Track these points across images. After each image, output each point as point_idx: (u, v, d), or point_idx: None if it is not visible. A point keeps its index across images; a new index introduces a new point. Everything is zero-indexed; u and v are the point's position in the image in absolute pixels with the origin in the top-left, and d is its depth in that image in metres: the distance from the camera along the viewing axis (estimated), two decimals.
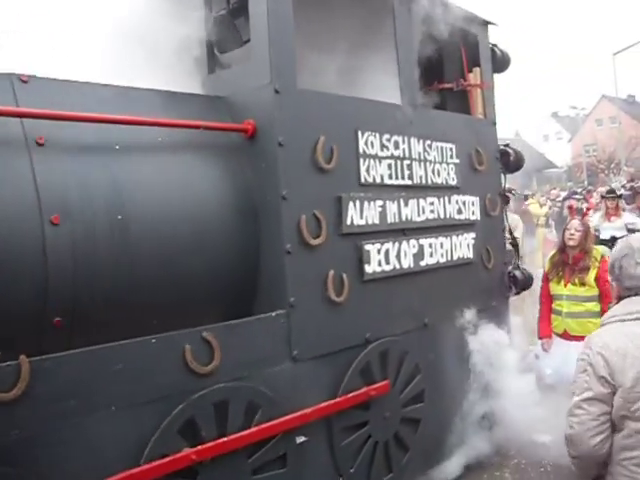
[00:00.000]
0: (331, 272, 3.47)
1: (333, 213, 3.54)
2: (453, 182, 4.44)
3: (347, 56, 4.36)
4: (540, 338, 5.31)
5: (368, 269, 3.70)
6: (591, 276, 4.96)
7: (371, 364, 3.67)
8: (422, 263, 4.11)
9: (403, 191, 4.00)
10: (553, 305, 5.19)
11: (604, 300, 4.91)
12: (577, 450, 2.30)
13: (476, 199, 4.65)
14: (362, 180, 3.72)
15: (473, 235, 4.59)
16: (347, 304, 3.56)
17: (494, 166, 4.94)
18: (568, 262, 5.07)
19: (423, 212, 4.15)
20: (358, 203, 3.66)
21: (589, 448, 2.25)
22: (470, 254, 4.55)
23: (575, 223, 5.10)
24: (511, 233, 5.11)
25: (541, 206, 16.68)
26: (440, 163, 4.34)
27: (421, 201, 4.13)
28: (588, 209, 5.01)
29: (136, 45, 3.41)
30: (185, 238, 3.11)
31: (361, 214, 3.68)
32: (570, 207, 5.78)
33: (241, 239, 3.35)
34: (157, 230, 3.02)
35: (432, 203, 4.22)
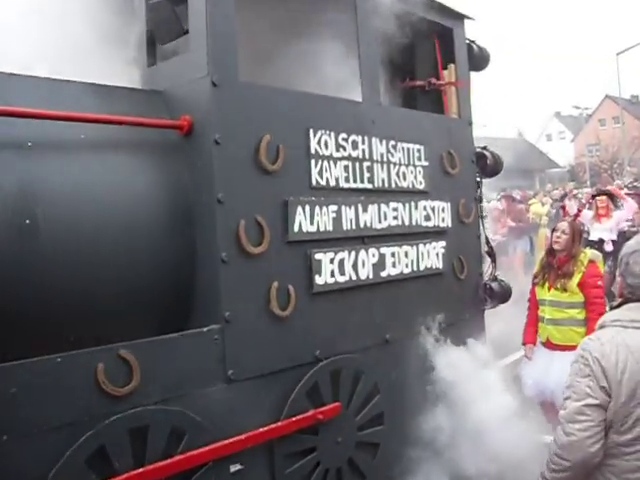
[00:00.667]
0: (275, 283, 3.21)
1: (278, 219, 3.28)
2: (421, 186, 4.18)
3: (305, 50, 4.10)
4: (524, 344, 5.04)
5: (319, 280, 3.44)
6: (574, 282, 4.68)
7: (320, 384, 3.40)
8: (383, 274, 3.84)
9: (362, 195, 3.74)
10: (538, 310, 4.93)
11: (589, 307, 4.64)
12: (575, 457, 2.23)
13: (447, 205, 4.38)
14: (313, 183, 3.46)
15: (443, 243, 4.32)
16: (293, 319, 3.30)
17: (469, 169, 4.67)
18: (554, 265, 4.80)
19: (385, 218, 3.88)
20: (308, 208, 3.40)
21: (589, 455, 2.21)
22: (440, 264, 4.28)
23: (563, 225, 4.82)
24: (488, 242, 4.83)
25: (543, 205, 16.42)
26: (406, 165, 4.07)
27: (383, 206, 3.87)
28: (579, 210, 4.70)
29: (64, 30, 3.16)
30: (108, 245, 2.85)
31: (311, 220, 3.42)
32: (563, 207, 5.49)
33: (174, 246, 3.10)
34: (75, 237, 2.76)
35: (396, 209, 3.96)
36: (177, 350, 2.85)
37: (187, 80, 3.16)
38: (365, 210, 3.74)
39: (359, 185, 3.73)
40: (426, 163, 4.22)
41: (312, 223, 3.42)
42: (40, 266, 2.65)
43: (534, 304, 4.94)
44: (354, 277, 3.64)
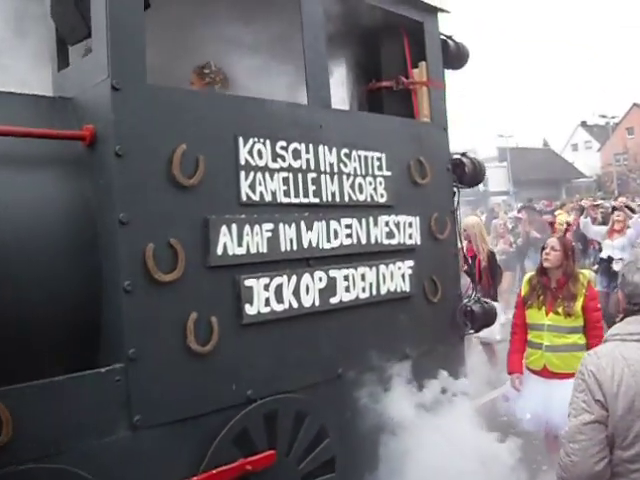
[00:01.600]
0: (193, 315, 2.85)
1: (198, 241, 2.92)
2: (382, 199, 3.78)
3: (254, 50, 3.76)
4: (509, 373, 4.59)
5: (250, 310, 3.06)
6: (578, 305, 4.25)
7: (250, 429, 3.02)
8: (334, 300, 3.45)
9: (306, 211, 3.36)
10: (529, 336, 4.47)
11: (591, 333, 4.24)
12: (579, 478, 2.23)
13: (415, 219, 3.97)
14: (243, 198, 3.10)
15: (410, 263, 3.91)
16: (217, 354, 2.93)
17: (444, 179, 4.26)
18: (550, 287, 4.35)
19: (336, 237, 3.49)
20: (235, 227, 3.03)
21: (594, 475, 2.21)
22: (406, 286, 3.87)
23: (552, 241, 4.40)
24: (467, 260, 4.41)
25: (569, 215, 15.85)
26: (363, 176, 3.68)
27: (333, 223, 3.48)
28: (569, 225, 4.16)
29: None
30: None
31: (239, 241, 3.05)
32: (551, 223, 4.99)
33: (77, 275, 2.76)
34: None
35: (349, 225, 3.57)
36: (65, 396, 2.50)
37: (91, 84, 2.84)
38: (310, 228, 3.35)
39: (302, 200, 3.35)
40: (388, 173, 3.82)
41: (240, 244, 3.05)
42: None
43: (521, 329, 4.49)
44: (295, 305, 3.26)
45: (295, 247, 3.28)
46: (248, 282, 3.06)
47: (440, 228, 4.14)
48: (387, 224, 3.78)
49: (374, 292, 3.66)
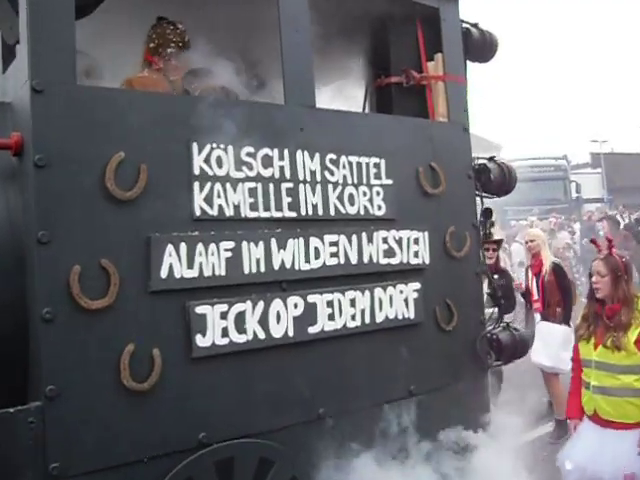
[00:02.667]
0: (129, 347, 2.52)
1: (137, 262, 2.59)
2: (379, 212, 3.32)
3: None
4: (568, 418, 3.94)
5: (201, 341, 2.70)
6: (631, 338, 3.55)
7: (196, 479, 2.64)
8: (313, 329, 3.02)
9: (278, 227, 2.96)
10: (582, 374, 3.79)
11: None
12: None
13: (424, 235, 3.47)
14: (197, 213, 2.74)
15: (416, 286, 3.41)
16: (160, 392, 2.58)
17: (463, 188, 3.73)
18: (601, 314, 3.67)
19: (317, 256, 3.06)
20: (184, 246, 2.68)
21: None
22: (410, 313, 3.37)
23: (597, 266, 3.66)
24: (490, 280, 3.85)
25: None
26: (355, 185, 3.24)
27: (314, 241, 3.05)
28: (609, 240, 3.48)
29: None
30: None
31: (190, 262, 2.69)
32: (593, 241, 4.23)
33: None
34: None
35: (335, 243, 3.13)
36: None
37: (19, 87, 2.59)
38: (282, 246, 2.95)
39: (274, 214, 2.95)
40: (388, 181, 3.35)
41: (191, 266, 2.69)
42: None
43: (579, 365, 3.81)
44: (262, 335, 2.86)
45: (263, 269, 2.88)
46: (200, 309, 2.70)
47: (457, 244, 3.61)
48: (385, 241, 3.31)
49: (367, 320, 3.20)
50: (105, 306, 2.48)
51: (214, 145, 2.79)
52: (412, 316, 3.38)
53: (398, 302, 3.33)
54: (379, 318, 3.25)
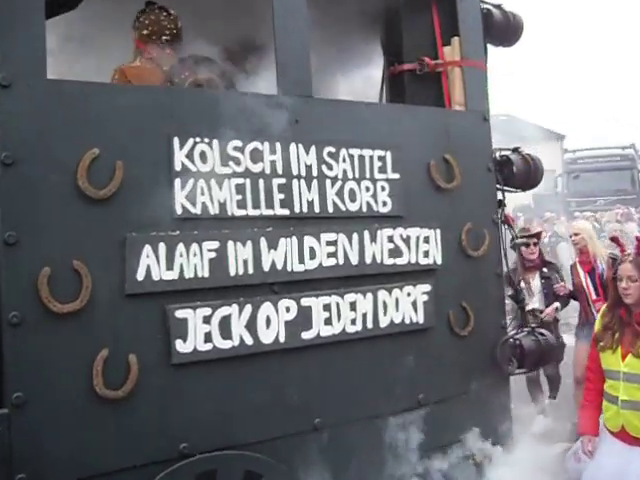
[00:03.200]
0: (103, 352, 2.40)
1: (113, 264, 2.47)
2: (385, 208, 3.10)
3: None
4: (580, 434, 3.59)
5: (182, 347, 2.56)
6: None
7: None
8: (308, 335, 2.84)
9: (269, 225, 2.79)
10: (605, 385, 3.45)
11: None
12: None
13: (435, 232, 3.23)
14: (178, 212, 2.60)
15: (426, 287, 3.18)
16: (138, 400, 2.46)
17: (483, 181, 3.46)
18: (628, 321, 3.33)
19: (312, 257, 2.88)
20: (163, 247, 2.55)
21: None
22: (419, 317, 3.14)
23: (625, 269, 3.32)
24: (512, 281, 3.56)
25: None
26: (357, 180, 3.03)
27: (309, 240, 2.87)
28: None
29: None
30: None
31: (170, 264, 2.56)
32: (614, 239, 3.83)
33: None
34: None
35: (333, 242, 2.93)
36: None
37: None
38: (273, 246, 2.78)
39: (264, 211, 2.78)
40: (395, 175, 3.13)
41: (171, 268, 2.56)
42: None
43: (595, 375, 3.48)
44: (250, 341, 2.70)
45: (251, 270, 2.72)
46: (180, 313, 2.56)
47: (474, 243, 3.35)
48: (391, 239, 3.09)
49: (369, 325, 3.00)
50: (76, 309, 2.37)
51: (197, 139, 2.65)
52: (421, 320, 3.15)
53: (405, 305, 3.10)
54: (383, 323, 3.04)
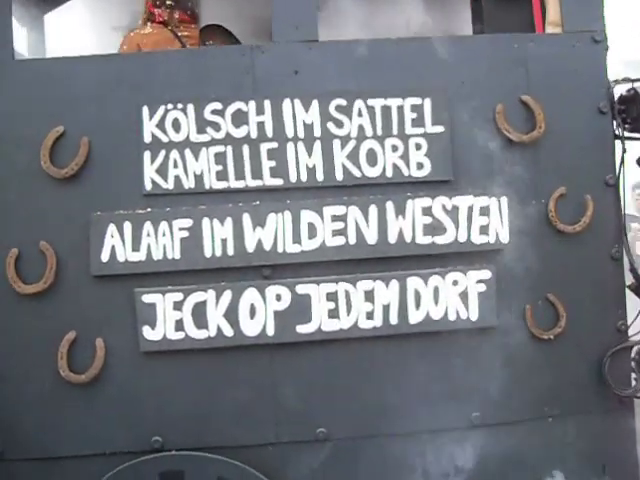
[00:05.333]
0: (69, 335, 2.36)
1: (79, 245, 2.38)
2: (421, 172, 2.42)
3: None
4: None
5: (149, 334, 2.37)
6: None
7: None
8: (304, 329, 2.38)
9: (256, 199, 2.40)
10: None
11: None
12: None
13: (500, 201, 2.43)
14: (147, 187, 2.39)
15: (485, 274, 2.41)
16: (104, 386, 2.37)
17: (589, 128, 2.48)
18: None
19: (312, 235, 2.40)
20: (129, 226, 2.37)
21: None
22: (472, 313, 2.41)
23: None
24: (634, 270, 2.49)
25: None
26: (380, 138, 2.42)
27: (307, 215, 2.39)
28: None
29: None
30: None
31: (137, 244, 2.37)
32: None
33: None
34: None
35: (341, 217, 2.40)
36: None
37: None
38: (260, 223, 2.38)
39: (250, 183, 2.40)
40: (438, 128, 2.42)
41: (137, 248, 2.37)
42: None
43: None
44: (229, 333, 2.37)
45: (231, 251, 2.38)
46: (148, 298, 2.37)
47: (571, 214, 2.44)
48: (429, 212, 2.41)
49: (393, 320, 2.40)
50: (40, 291, 2.35)
51: (170, 106, 2.39)
52: (475, 317, 2.41)
53: (450, 297, 2.41)
54: (414, 318, 2.40)
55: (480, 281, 2.42)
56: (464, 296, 2.41)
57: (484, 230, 2.43)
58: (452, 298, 2.41)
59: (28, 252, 2.36)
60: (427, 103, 2.42)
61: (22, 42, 3.17)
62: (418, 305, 2.41)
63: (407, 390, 2.40)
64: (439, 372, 2.42)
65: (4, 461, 2.36)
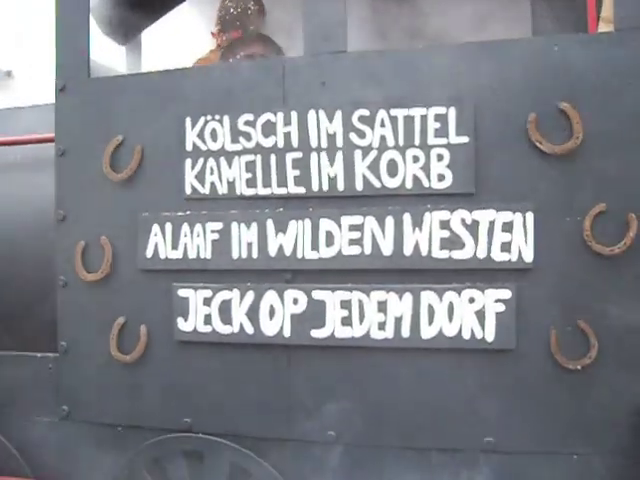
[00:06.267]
0: (120, 320, 2.70)
1: (131, 241, 2.70)
2: (442, 184, 2.35)
3: None
4: None
5: (183, 325, 2.62)
6: None
7: (166, 462, 2.62)
8: (318, 333, 2.47)
9: (280, 206, 2.51)
10: None
11: None
12: None
13: (525, 217, 2.27)
14: (187, 192, 2.63)
15: (505, 294, 2.29)
16: (146, 367, 2.69)
17: (638, 138, 2.21)
18: None
19: (330, 243, 2.45)
20: (170, 227, 2.63)
21: None
22: (489, 333, 2.30)
23: None
24: None
25: None
26: (401, 149, 2.39)
27: (325, 223, 2.45)
28: None
29: None
30: None
31: (175, 243, 2.63)
32: None
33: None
34: None
35: (358, 227, 2.42)
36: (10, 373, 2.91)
37: None
38: (282, 229, 2.50)
39: (275, 190, 2.52)
40: (462, 139, 2.33)
41: (176, 247, 2.63)
42: None
43: None
44: (250, 330, 2.53)
45: (255, 255, 2.53)
46: (182, 292, 2.62)
47: (610, 234, 2.21)
48: (447, 225, 2.34)
49: (405, 333, 2.38)
50: (97, 279, 2.71)
51: (209, 117, 2.59)
52: (491, 338, 2.30)
53: (465, 315, 2.32)
54: (427, 333, 2.36)
55: (499, 300, 2.30)
56: (480, 315, 2.31)
57: (506, 247, 2.29)
58: (468, 316, 2.32)
59: (93, 245, 2.74)
60: (452, 112, 2.34)
61: (121, 60, 3.62)
62: (431, 320, 2.36)
63: (415, 404, 2.38)
64: (451, 389, 2.35)
65: (70, 420, 2.79)
